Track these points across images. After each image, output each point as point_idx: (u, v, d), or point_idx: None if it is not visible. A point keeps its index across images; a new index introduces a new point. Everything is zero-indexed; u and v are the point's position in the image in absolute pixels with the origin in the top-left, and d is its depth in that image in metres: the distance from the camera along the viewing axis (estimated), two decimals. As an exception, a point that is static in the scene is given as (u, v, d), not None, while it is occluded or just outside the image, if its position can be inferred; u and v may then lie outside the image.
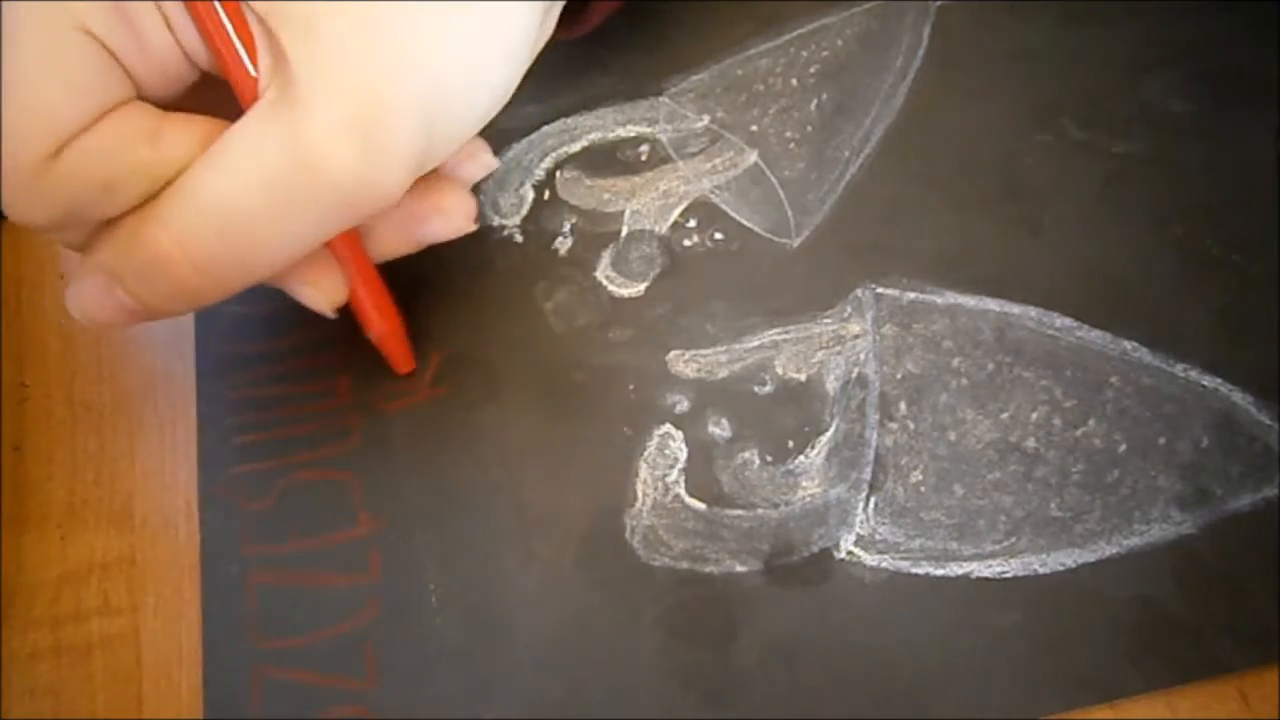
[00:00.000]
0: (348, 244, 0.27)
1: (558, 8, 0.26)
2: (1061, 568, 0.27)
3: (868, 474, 0.28)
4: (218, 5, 0.22)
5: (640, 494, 0.29)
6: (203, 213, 0.22)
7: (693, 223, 0.32)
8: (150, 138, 0.22)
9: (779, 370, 0.30)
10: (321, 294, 0.26)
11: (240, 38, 0.22)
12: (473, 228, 0.28)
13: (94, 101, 0.21)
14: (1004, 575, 0.27)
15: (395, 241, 0.28)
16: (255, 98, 0.22)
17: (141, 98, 0.23)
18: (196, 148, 0.22)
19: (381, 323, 0.29)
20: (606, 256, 0.32)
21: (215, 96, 0.23)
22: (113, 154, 0.22)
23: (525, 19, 0.24)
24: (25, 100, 0.21)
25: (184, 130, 0.23)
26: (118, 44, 0.22)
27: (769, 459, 0.29)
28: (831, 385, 0.29)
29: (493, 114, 0.25)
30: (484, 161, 0.29)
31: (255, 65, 0.22)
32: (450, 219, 0.28)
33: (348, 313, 0.31)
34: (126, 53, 0.22)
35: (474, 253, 0.32)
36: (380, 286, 0.28)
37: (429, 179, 0.27)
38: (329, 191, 0.22)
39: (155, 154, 0.22)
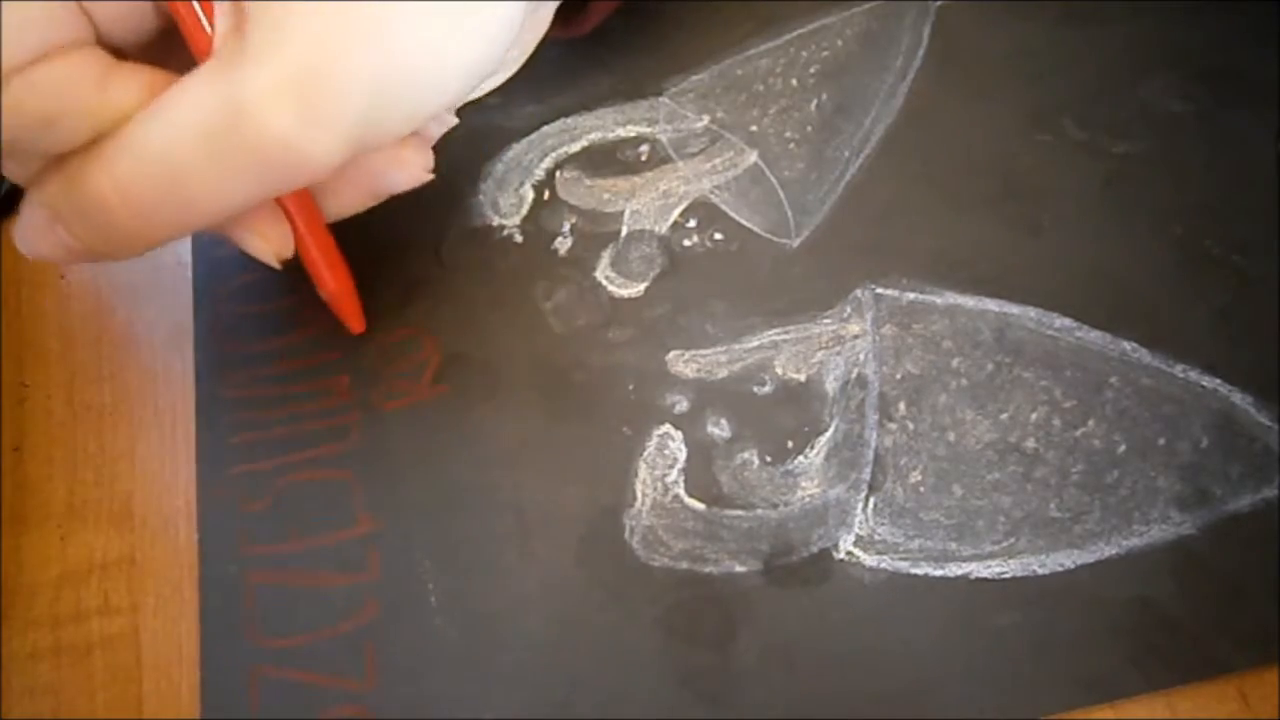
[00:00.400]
0: (298, 200, 0.26)
1: (549, 6, 0.26)
2: (1061, 568, 0.27)
3: (867, 474, 0.28)
4: None
5: (639, 494, 0.29)
6: (141, 160, 0.22)
7: (692, 223, 0.32)
8: (97, 82, 0.22)
9: (778, 370, 0.30)
10: (268, 245, 0.26)
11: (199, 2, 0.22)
12: (428, 178, 0.27)
13: (46, 36, 0.22)
14: (1003, 576, 0.27)
15: (351, 195, 0.27)
16: (209, 53, 0.23)
17: (103, 44, 0.23)
18: (143, 97, 0.23)
19: (332, 280, 0.28)
20: (606, 256, 0.32)
21: (181, 51, 0.23)
22: (57, 92, 0.22)
23: (505, 10, 0.23)
24: None
25: (133, 79, 0.23)
26: None
27: (768, 459, 0.29)
28: (831, 385, 0.29)
29: (460, 101, 0.25)
30: (443, 119, 0.28)
31: (212, 25, 0.22)
32: (406, 169, 0.27)
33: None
34: None
35: (474, 253, 0.32)
36: (330, 243, 0.28)
37: None
38: (260, 151, 0.22)
39: (100, 99, 0.22)
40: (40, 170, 0.24)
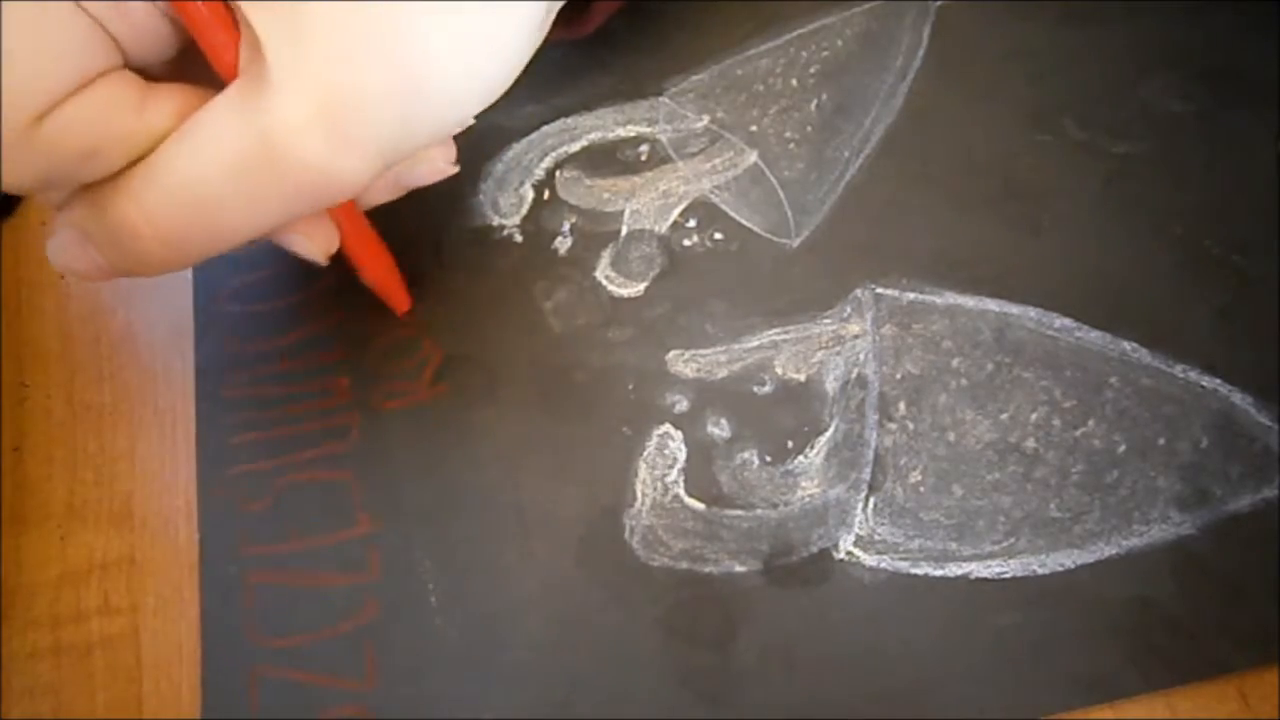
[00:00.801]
0: None
1: (555, 7, 0.26)
2: (1061, 568, 0.27)
3: (867, 474, 0.28)
4: None
5: (639, 494, 0.29)
6: (169, 190, 0.22)
7: (692, 223, 0.32)
8: (134, 107, 0.22)
9: (778, 370, 0.30)
10: (314, 244, 0.26)
11: (219, 21, 0.22)
12: (453, 171, 0.28)
13: (79, 68, 0.22)
14: (1003, 576, 0.27)
15: (376, 190, 0.28)
16: (234, 75, 0.22)
17: (130, 65, 0.23)
18: (179, 118, 0.23)
19: (375, 267, 0.29)
20: (606, 256, 0.32)
21: (205, 64, 0.23)
22: (96, 122, 0.22)
23: (524, 19, 0.23)
24: (10, 65, 0.21)
25: (168, 101, 0.23)
26: (103, 11, 0.22)
27: (768, 459, 0.29)
28: (831, 385, 0.29)
29: (480, 109, 0.25)
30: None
31: (235, 47, 0.22)
32: (430, 163, 0.27)
33: (348, 312, 0.31)
34: (112, 20, 0.22)
35: (474, 252, 0.32)
36: (369, 231, 0.28)
37: None
38: (292, 179, 0.22)
39: (139, 124, 0.22)
40: (72, 193, 0.24)
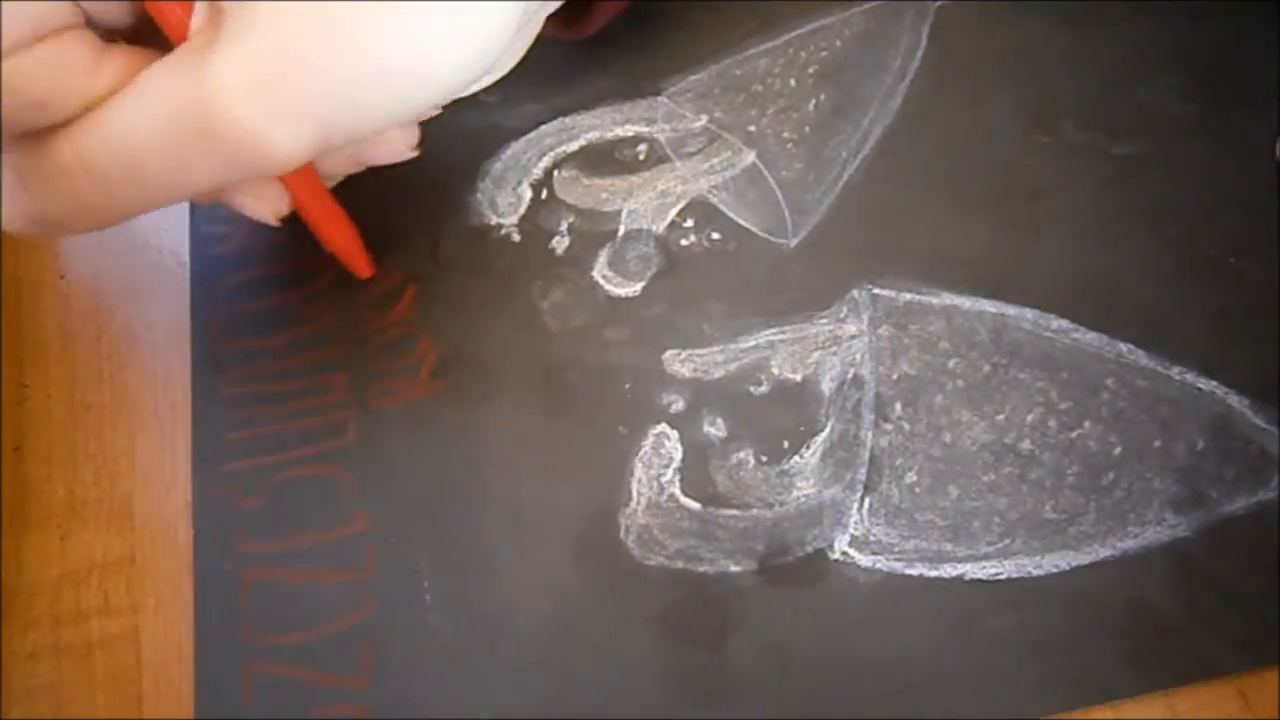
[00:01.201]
0: None
1: (539, 7, 0.26)
2: (1055, 570, 0.27)
3: (863, 475, 0.28)
4: None
5: (635, 493, 0.29)
6: (107, 136, 0.22)
7: (690, 222, 0.32)
8: (88, 66, 0.23)
9: (775, 370, 0.30)
10: (263, 204, 0.27)
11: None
12: (412, 155, 0.28)
13: (36, 21, 0.22)
14: (998, 577, 0.27)
15: (333, 162, 0.28)
16: (184, 39, 0.23)
17: (93, 25, 0.23)
18: (132, 79, 0.23)
19: (334, 234, 0.29)
20: (603, 256, 0.32)
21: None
22: (49, 76, 0.22)
23: (496, 20, 0.23)
24: None
25: (123, 63, 0.23)
26: None
27: (764, 459, 0.29)
28: (827, 386, 0.29)
29: (445, 99, 0.25)
30: None
31: (186, 19, 0.23)
32: (389, 145, 0.27)
33: (345, 310, 0.31)
34: None
35: (472, 251, 0.32)
36: (328, 198, 0.28)
37: None
38: (220, 139, 0.22)
39: (91, 83, 0.23)
40: (13, 139, 0.24)
